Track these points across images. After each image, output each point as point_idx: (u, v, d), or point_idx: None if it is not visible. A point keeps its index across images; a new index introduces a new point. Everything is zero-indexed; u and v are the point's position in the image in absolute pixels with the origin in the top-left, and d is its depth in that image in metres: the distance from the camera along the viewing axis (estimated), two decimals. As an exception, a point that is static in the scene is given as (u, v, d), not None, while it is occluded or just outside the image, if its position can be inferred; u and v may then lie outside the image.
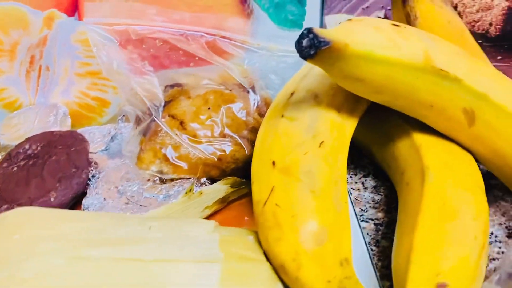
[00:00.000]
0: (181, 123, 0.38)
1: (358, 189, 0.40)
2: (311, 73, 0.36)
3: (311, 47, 0.27)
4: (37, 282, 0.23)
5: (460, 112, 0.32)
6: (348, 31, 0.29)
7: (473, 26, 0.43)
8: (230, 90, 0.40)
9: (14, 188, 0.36)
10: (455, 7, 0.43)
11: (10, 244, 0.25)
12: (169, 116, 0.38)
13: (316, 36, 0.27)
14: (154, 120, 0.37)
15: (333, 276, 0.25)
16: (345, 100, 0.34)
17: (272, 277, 0.26)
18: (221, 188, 0.35)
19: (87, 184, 0.38)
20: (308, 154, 0.30)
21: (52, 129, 0.44)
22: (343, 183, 0.30)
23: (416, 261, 0.25)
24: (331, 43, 0.27)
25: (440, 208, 0.28)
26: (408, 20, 0.36)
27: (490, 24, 0.43)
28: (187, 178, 0.37)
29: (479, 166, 0.33)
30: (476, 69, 0.32)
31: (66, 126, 0.46)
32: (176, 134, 0.37)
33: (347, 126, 0.34)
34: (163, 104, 0.38)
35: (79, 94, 0.49)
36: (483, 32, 0.43)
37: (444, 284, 0.24)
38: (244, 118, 0.38)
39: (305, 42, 0.27)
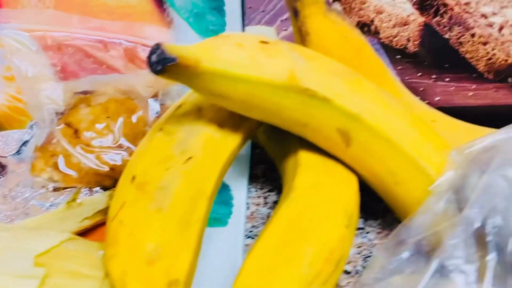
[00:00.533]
0: (76, 131, 0.38)
1: (258, 204, 0.39)
2: None
3: (159, 63, 0.26)
4: None
5: (335, 133, 0.31)
6: (205, 47, 0.28)
7: (391, 41, 0.42)
8: (133, 99, 0.40)
9: None
10: (372, 22, 0.42)
11: None
12: (65, 124, 0.38)
13: (163, 52, 0.26)
14: (49, 128, 0.38)
15: (158, 298, 0.25)
16: (230, 116, 0.33)
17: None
18: (102, 199, 0.35)
19: (-12, 188, 0.39)
20: (169, 169, 0.30)
21: (-28, 132, 0.45)
22: (204, 201, 0.29)
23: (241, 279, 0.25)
24: (178, 59, 0.26)
25: (286, 231, 0.27)
26: (301, 35, 0.35)
27: (408, 40, 0.42)
28: (78, 188, 0.37)
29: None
30: (351, 89, 0.31)
31: (-12, 129, 0.47)
32: (69, 143, 0.37)
33: (228, 142, 0.33)
34: (61, 111, 0.39)
35: (9, 97, 0.49)
36: (402, 47, 0.42)
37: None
38: (141, 128, 0.38)
39: (153, 57, 0.26)
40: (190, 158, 0.30)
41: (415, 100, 0.39)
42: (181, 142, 0.31)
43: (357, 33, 0.36)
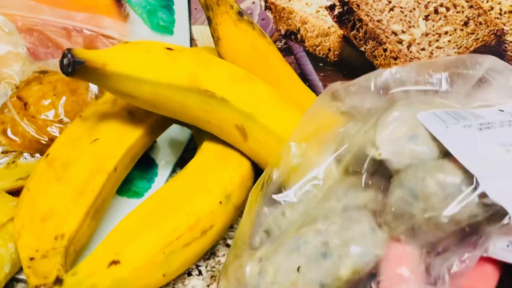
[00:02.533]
0: (25, 104, 0.44)
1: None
2: None
3: (69, 66, 0.31)
4: None
5: (234, 129, 0.36)
6: (113, 52, 0.33)
7: (315, 49, 0.46)
8: (77, 81, 0.45)
9: None
10: (298, 30, 0.46)
11: None
12: (16, 97, 0.44)
13: (72, 56, 0.30)
14: (4, 99, 0.44)
15: (42, 247, 0.29)
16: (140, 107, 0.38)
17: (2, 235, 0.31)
18: (35, 165, 0.41)
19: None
20: (75, 148, 0.34)
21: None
22: (103, 175, 0.34)
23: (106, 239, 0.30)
24: (85, 63, 0.31)
25: (160, 203, 0.32)
26: (214, 40, 0.40)
27: (329, 50, 0.45)
28: (19, 152, 0.43)
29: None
30: (246, 90, 0.36)
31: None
32: (18, 113, 0.43)
33: (135, 128, 0.37)
34: (17, 86, 0.45)
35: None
36: (324, 56, 0.46)
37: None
38: (80, 107, 0.44)
39: (65, 61, 0.31)
40: (96, 139, 0.35)
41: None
42: (92, 126, 0.36)
43: (265, 41, 0.40)
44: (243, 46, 0.39)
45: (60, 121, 0.43)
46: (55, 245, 0.30)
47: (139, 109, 0.39)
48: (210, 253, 0.35)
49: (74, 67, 0.31)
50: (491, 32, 0.40)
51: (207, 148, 0.38)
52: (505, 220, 0.16)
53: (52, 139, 0.43)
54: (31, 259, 0.29)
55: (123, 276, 0.28)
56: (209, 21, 0.39)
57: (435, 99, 0.22)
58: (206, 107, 0.35)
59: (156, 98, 0.34)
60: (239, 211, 0.36)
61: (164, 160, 0.46)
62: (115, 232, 0.30)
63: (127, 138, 0.37)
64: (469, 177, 0.17)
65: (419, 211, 0.17)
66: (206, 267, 0.34)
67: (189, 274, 0.34)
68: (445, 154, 0.19)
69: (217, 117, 0.35)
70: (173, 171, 0.45)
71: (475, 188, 0.17)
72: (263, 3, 0.46)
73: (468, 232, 0.17)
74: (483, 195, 0.17)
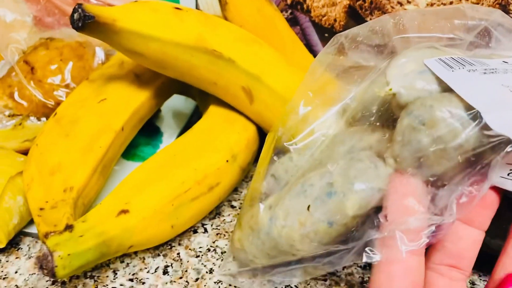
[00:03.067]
0: (32, 68, 0.44)
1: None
2: None
3: (80, 20, 0.31)
4: None
5: (240, 90, 0.36)
6: (123, 9, 0.33)
7: (321, 20, 0.46)
8: (84, 48, 0.46)
9: None
10: (304, 1, 0.46)
11: None
12: (23, 61, 0.44)
13: (83, 10, 0.31)
14: (11, 64, 0.44)
15: (52, 198, 0.30)
16: (147, 70, 0.38)
17: (11, 187, 0.32)
18: (41, 127, 0.41)
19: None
20: (83, 107, 0.35)
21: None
22: (111, 133, 0.34)
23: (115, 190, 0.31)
24: (96, 17, 0.31)
25: (166, 158, 0.33)
26: (221, 4, 0.40)
27: (335, 20, 0.46)
28: (25, 115, 0.44)
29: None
30: (253, 52, 0.36)
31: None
32: (25, 77, 0.44)
33: (142, 90, 0.38)
34: (24, 51, 0.45)
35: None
36: (330, 26, 0.46)
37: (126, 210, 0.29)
38: (86, 72, 0.44)
39: (75, 15, 0.31)
40: (104, 99, 0.36)
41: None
42: (100, 87, 0.37)
43: (272, 8, 0.41)
44: (250, 11, 0.40)
45: (67, 86, 0.44)
46: (64, 197, 0.30)
47: (146, 71, 0.39)
48: (215, 212, 0.36)
49: (85, 22, 0.31)
50: (496, 2, 0.41)
51: (213, 112, 0.38)
52: (508, 148, 0.17)
53: (58, 103, 0.43)
54: (41, 209, 0.30)
55: (132, 225, 0.28)
56: (217, -14, 0.39)
57: (441, 46, 0.22)
58: (213, 67, 0.35)
59: (163, 56, 0.34)
60: (244, 174, 0.37)
61: (169, 129, 0.46)
62: (124, 184, 0.31)
63: (134, 99, 0.38)
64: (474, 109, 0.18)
65: (427, 138, 0.18)
66: (211, 225, 0.35)
67: (195, 232, 0.34)
68: (453, 90, 0.19)
69: (224, 78, 0.36)
70: (177, 136, 0.46)
71: (479, 122, 0.18)
72: (270, -28, 0.46)
73: (473, 162, 0.18)
74: (486, 127, 0.17)
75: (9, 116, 0.43)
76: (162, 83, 0.40)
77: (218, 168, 0.33)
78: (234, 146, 0.35)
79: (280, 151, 0.27)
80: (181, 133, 0.46)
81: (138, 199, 0.30)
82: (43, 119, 0.43)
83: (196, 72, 0.35)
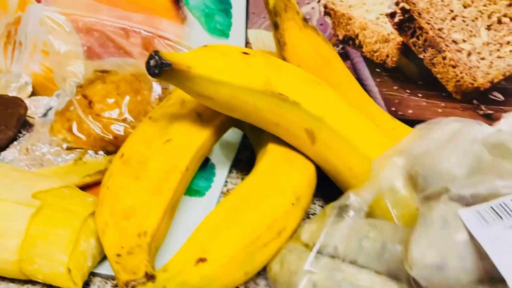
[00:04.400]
0: (90, 102, 0.45)
1: (235, 184, 0.45)
2: None
3: (156, 67, 0.31)
4: None
5: (303, 132, 0.36)
6: (195, 55, 0.33)
7: (373, 55, 0.46)
8: (140, 82, 0.46)
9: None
10: (357, 36, 0.46)
11: None
12: (81, 95, 0.45)
13: (160, 58, 0.31)
14: (69, 97, 0.45)
15: (127, 243, 0.30)
16: (207, 109, 0.38)
17: (84, 230, 0.32)
18: (102, 162, 0.41)
19: (14, 141, 0.46)
20: (150, 148, 0.35)
21: (11, 94, 0.53)
22: (178, 174, 0.35)
23: (191, 237, 0.31)
24: (173, 65, 0.31)
25: (235, 201, 0.33)
26: (279, 45, 0.40)
27: (387, 56, 0.46)
28: (86, 149, 0.44)
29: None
30: (316, 94, 0.36)
31: (24, 93, 0.54)
32: (83, 111, 0.44)
33: (204, 129, 0.38)
34: (81, 85, 0.46)
35: (45, 68, 0.57)
36: (382, 62, 0.46)
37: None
38: (143, 106, 0.45)
39: (152, 62, 0.31)
40: (169, 140, 0.36)
41: (378, 108, 0.43)
42: (164, 127, 0.37)
43: (329, 47, 0.41)
44: (308, 51, 0.40)
45: (124, 120, 0.44)
46: (139, 242, 0.30)
47: (207, 110, 0.39)
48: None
49: (162, 69, 0.31)
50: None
51: (272, 150, 0.38)
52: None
53: (116, 137, 0.44)
54: (118, 255, 0.30)
55: (210, 273, 0.29)
56: (276, 27, 0.40)
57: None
58: (278, 110, 0.35)
59: (232, 100, 0.34)
60: (305, 214, 0.37)
61: (220, 161, 0.47)
62: (200, 231, 0.31)
63: (196, 138, 0.38)
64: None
65: None
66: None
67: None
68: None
69: (287, 120, 0.36)
70: (230, 171, 0.46)
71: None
72: (322, 9, 0.46)
73: None
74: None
75: (67, 149, 0.44)
76: (221, 121, 0.40)
77: (285, 211, 0.33)
78: (297, 187, 0.35)
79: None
80: (233, 165, 0.47)
81: (214, 247, 0.30)
82: (100, 153, 0.44)
83: (261, 114, 0.36)
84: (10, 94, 0.52)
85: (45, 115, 0.51)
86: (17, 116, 0.47)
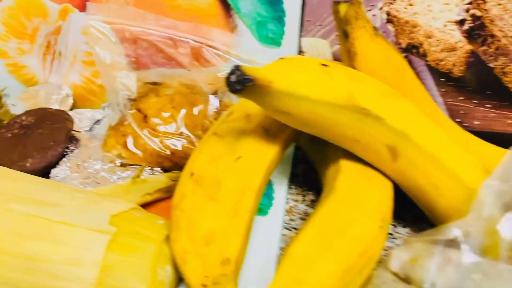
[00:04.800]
0: (145, 116, 0.42)
1: (297, 200, 0.43)
2: None
3: (238, 83, 0.29)
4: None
5: (384, 148, 0.34)
6: (275, 69, 0.31)
7: (438, 64, 0.44)
8: (195, 94, 0.44)
9: (3, 151, 0.43)
10: (421, 44, 0.44)
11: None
12: (136, 109, 0.43)
13: (242, 73, 0.29)
14: (123, 111, 0.43)
15: (211, 273, 0.28)
16: (273, 122, 0.36)
17: (161, 256, 0.30)
18: (162, 180, 0.39)
19: (63, 157, 0.44)
20: (221, 166, 0.33)
21: (52, 107, 0.51)
22: (251, 194, 0.33)
23: (283, 267, 0.29)
24: (255, 80, 0.29)
25: (325, 226, 0.31)
26: (349, 55, 0.38)
27: (454, 65, 0.44)
28: (142, 166, 0.42)
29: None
30: (399, 108, 0.34)
31: (65, 106, 0.52)
32: (138, 126, 0.42)
33: (272, 144, 0.36)
34: (134, 98, 0.44)
35: (85, 79, 0.55)
36: (447, 71, 0.44)
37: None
38: (201, 120, 0.43)
39: (233, 77, 0.29)
40: (239, 157, 0.34)
41: (450, 121, 0.41)
42: (232, 144, 0.35)
43: (400, 56, 0.39)
44: (380, 60, 0.38)
45: (180, 134, 0.42)
46: (223, 271, 0.28)
47: (273, 125, 0.37)
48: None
49: (244, 84, 0.29)
50: None
51: (347, 167, 0.36)
52: None
53: (173, 153, 0.41)
54: (204, 285, 0.28)
55: (307, 306, 0.26)
56: (346, 36, 0.38)
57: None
58: (359, 125, 0.33)
59: (311, 115, 0.32)
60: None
61: (277, 176, 0.44)
62: (290, 260, 0.28)
63: (266, 155, 0.36)
64: None
65: None
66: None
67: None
68: None
69: (368, 136, 0.34)
70: (289, 187, 0.44)
71: None
72: (384, 16, 0.44)
73: None
74: None
75: (121, 165, 0.42)
76: (288, 136, 0.38)
77: (375, 235, 0.31)
78: (381, 208, 0.33)
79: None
80: (290, 180, 0.44)
81: (310, 278, 0.27)
82: (156, 169, 0.42)
83: (340, 129, 0.33)
84: (52, 107, 0.50)
85: (90, 129, 0.49)
86: (65, 131, 0.44)
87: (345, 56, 0.39)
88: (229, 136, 0.36)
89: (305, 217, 0.40)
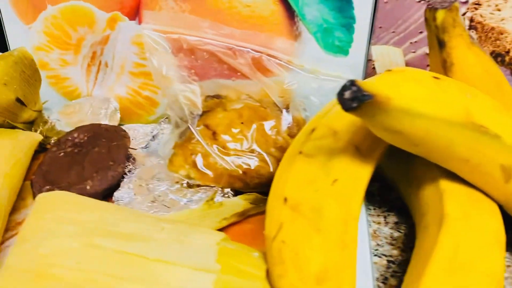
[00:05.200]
0: (214, 133, 0.39)
1: (379, 223, 0.39)
2: (334, 110, 0.35)
3: (354, 100, 0.26)
4: (51, 259, 0.25)
5: (497, 168, 0.31)
6: (390, 84, 0.28)
7: (527, 73, 0.41)
8: (265, 108, 0.41)
9: (58, 172, 0.39)
10: (507, 52, 0.41)
11: (41, 222, 0.28)
12: (203, 125, 0.39)
13: (359, 89, 0.26)
14: (189, 128, 0.40)
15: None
16: (364, 139, 0.33)
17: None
18: (241, 203, 0.35)
19: (123, 178, 0.41)
20: (319, 191, 0.30)
21: (102, 122, 0.47)
22: (354, 222, 0.30)
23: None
24: (374, 97, 0.26)
25: (450, 261, 0.27)
26: (444, 65, 0.34)
27: (544, 74, 0.41)
28: (211, 187, 0.38)
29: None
30: None
31: (114, 120, 0.49)
32: (207, 144, 0.38)
33: (366, 164, 0.33)
34: (200, 113, 0.40)
35: (132, 91, 0.52)
36: (535, 81, 0.41)
37: None
38: (273, 136, 0.39)
39: (347, 94, 0.26)
40: (336, 180, 0.31)
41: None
42: (324, 164, 0.31)
43: (496, 67, 0.36)
44: (478, 71, 0.35)
45: (252, 152, 0.39)
46: (342, 312, 0.25)
47: (364, 143, 0.34)
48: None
49: (362, 101, 0.26)
50: None
51: (451, 190, 0.32)
52: None
53: (245, 172, 0.38)
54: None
55: None
56: (442, 45, 0.34)
57: None
58: (473, 144, 0.30)
59: (423, 134, 0.29)
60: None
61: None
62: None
63: (362, 176, 0.32)
64: None
65: None
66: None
67: None
68: None
69: (480, 155, 0.30)
70: (367, 208, 0.40)
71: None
72: (467, 22, 0.41)
73: None
74: None
75: (188, 187, 0.38)
76: (380, 154, 0.35)
77: (502, 268, 0.28)
78: (499, 235, 0.30)
79: None
80: (367, 200, 0.41)
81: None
82: (227, 190, 0.38)
83: (451, 149, 0.30)
84: (102, 122, 0.47)
85: (146, 146, 0.46)
86: (123, 149, 0.41)
87: (437, 66, 0.36)
88: (319, 156, 0.32)
89: (392, 241, 0.37)
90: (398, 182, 0.40)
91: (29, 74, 0.42)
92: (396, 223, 0.39)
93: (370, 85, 0.26)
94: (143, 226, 0.27)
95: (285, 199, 0.30)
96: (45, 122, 0.48)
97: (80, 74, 0.51)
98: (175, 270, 0.25)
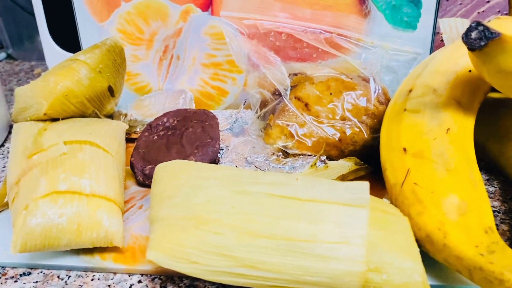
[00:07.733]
0: (306, 104, 0.41)
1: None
2: (425, 72, 0.37)
3: (482, 39, 0.27)
4: (207, 206, 0.27)
5: None
6: (510, 26, 0.30)
7: None
8: (351, 79, 0.42)
9: (156, 153, 0.41)
10: None
11: (178, 182, 0.29)
12: (295, 98, 0.41)
13: (487, 28, 0.27)
14: (282, 101, 0.41)
15: (480, 242, 0.26)
16: (462, 94, 0.35)
17: (411, 231, 0.28)
18: (346, 165, 0.37)
19: (219, 154, 0.42)
20: (437, 139, 0.31)
21: (182, 109, 0.49)
22: (474, 165, 0.31)
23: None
24: (501, 35, 0.27)
25: None
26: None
27: None
28: (308, 155, 0.40)
29: None
30: None
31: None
32: (302, 114, 0.40)
33: (468, 115, 0.34)
34: (289, 88, 0.42)
35: (202, 82, 0.53)
36: None
37: None
38: (364, 105, 0.41)
39: (474, 34, 0.27)
40: (449, 129, 0.32)
41: None
42: (433, 117, 0.33)
43: None
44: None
45: (344, 119, 0.40)
46: (491, 239, 0.26)
47: (464, 96, 0.35)
48: None
49: (490, 39, 0.27)
50: None
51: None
52: None
53: (340, 139, 0.40)
54: (481, 255, 0.25)
55: None
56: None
57: None
58: None
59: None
60: None
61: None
62: None
63: (468, 126, 0.34)
64: None
65: None
66: None
67: None
68: None
69: None
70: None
71: None
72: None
73: None
74: None
75: (285, 156, 0.40)
76: (478, 107, 0.36)
77: None
78: None
79: None
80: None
81: None
82: (323, 158, 0.39)
83: None
84: (182, 110, 0.48)
85: (231, 128, 0.47)
86: (216, 128, 0.43)
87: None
88: (425, 111, 0.34)
89: (490, 195, 0.38)
90: (485, 142, 0.41)
91: (119, 62, 0.43)
92: (487, 179, 0.40)
93: (496, 25, 0.28)
94: (278, 177, 0.29)
95: (404, 149, 0.32)
96: (125, 115, 0.49)
97: (151, 69, 0.53)
98: (328, 207, 0.26)
